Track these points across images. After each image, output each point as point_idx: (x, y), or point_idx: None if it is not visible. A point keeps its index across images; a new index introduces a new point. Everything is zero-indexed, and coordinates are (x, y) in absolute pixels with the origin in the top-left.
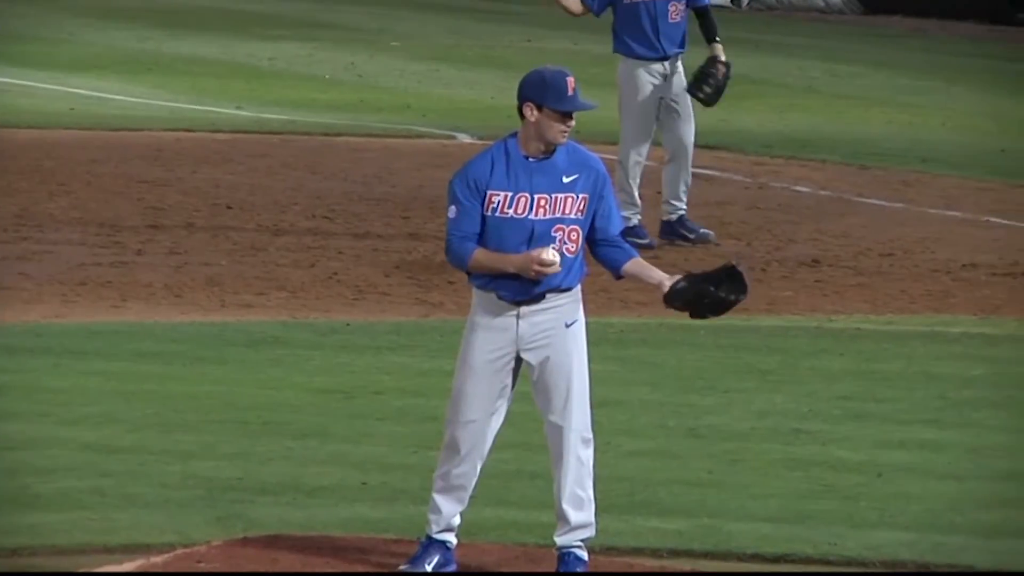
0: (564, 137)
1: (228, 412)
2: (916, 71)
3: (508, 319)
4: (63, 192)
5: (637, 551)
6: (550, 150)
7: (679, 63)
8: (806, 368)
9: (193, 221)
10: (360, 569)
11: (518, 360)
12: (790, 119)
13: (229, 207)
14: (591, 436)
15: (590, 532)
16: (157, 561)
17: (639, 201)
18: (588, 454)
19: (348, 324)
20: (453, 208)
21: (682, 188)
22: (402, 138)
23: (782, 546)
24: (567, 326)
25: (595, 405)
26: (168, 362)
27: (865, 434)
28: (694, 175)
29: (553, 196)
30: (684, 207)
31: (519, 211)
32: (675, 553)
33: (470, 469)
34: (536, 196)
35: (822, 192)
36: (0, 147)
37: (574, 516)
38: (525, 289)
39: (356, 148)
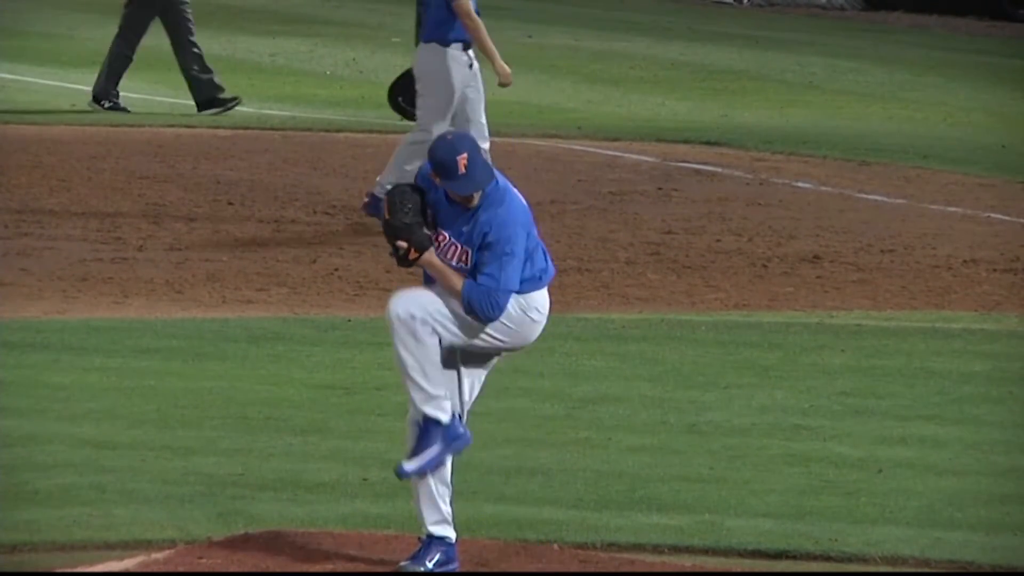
0: (470, 204)
1: (229, 408)
2: (916, 67)
3: None
4: (63, 188)
5: (638, 547)
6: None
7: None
8: (807, 364)
9: (194, 217)
10: (361, 565)
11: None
12: (790, 115)
13: (230, 203)
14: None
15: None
16: (158, 557)
17: None
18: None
19: (349, 320)
20: None
21: None
22: (403, 134)
23: (783, 542)
24: None
25: (595, 401)
26: (168, 358)
27: (865, 430)
28: (694, 170)
29: (450, 240)
30: None
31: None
32: (676, 549)
33: None
34: (436, 233)
35: (823, 188)
36: None
37: None
38: None
39: (357, 144)
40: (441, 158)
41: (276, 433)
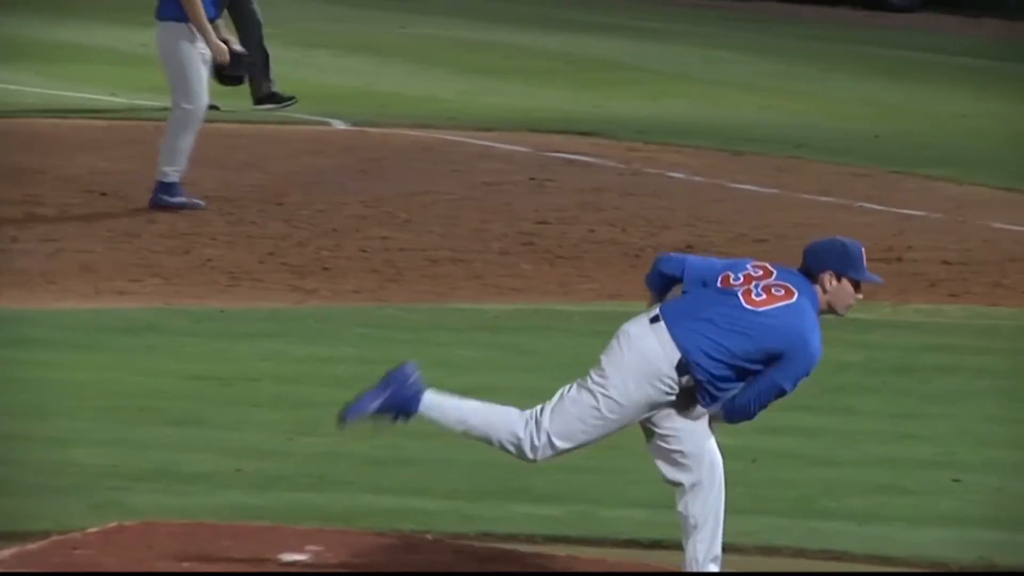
0: (852, 306)
1: (104, 399)
2: (791, 57)
3: None
4: None
5: (512, 537)
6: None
7: None
8: None
9: (67, 208)
10: (235, 556)
11: None
12: (665, 105)
13: (103, 194)
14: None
15: None
16: (32, 548)
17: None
18: None
19: (223, 311)
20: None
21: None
22: (276, 124)
23: (657, 532)
24: None
25: (470, 391)
26: (43, 349)
27: None
28: (568, 161)
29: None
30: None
31: None
32: (551, 539)
33: None
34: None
35: (696, 178)
36: None
37: None
38: None
39: (230, 135)
40: (854, 252)
41: (151, 424)
